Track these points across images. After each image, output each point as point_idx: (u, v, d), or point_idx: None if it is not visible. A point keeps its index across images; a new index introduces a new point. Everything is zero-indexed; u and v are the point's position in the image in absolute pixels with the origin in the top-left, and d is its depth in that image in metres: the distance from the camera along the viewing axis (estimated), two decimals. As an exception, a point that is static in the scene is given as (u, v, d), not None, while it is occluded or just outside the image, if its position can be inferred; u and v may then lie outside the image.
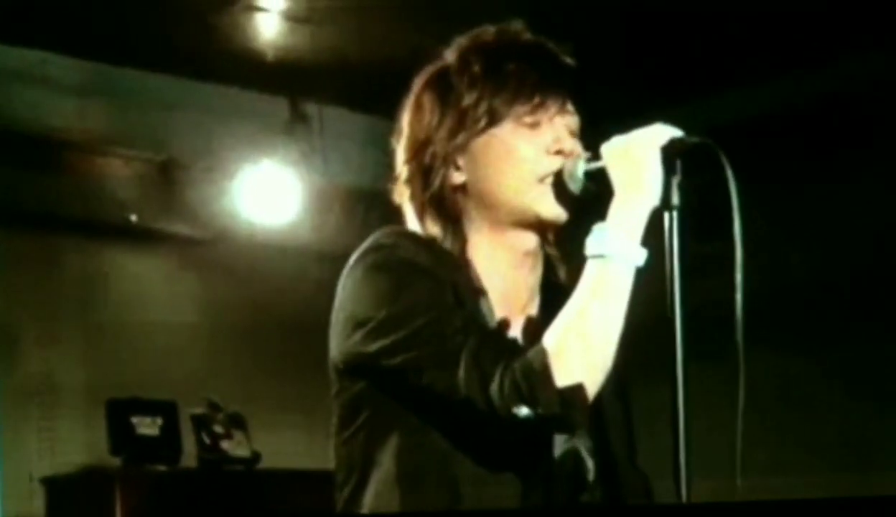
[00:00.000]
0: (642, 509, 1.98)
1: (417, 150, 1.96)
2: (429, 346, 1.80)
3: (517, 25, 1.98)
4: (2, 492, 4.74)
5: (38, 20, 4.67)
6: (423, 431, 1.86)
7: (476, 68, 1.93)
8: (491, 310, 1.93)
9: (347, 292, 1.90)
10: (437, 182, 1.94)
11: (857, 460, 5.17)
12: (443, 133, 1.93)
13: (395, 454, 1.87)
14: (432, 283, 1.86)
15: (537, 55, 1.95)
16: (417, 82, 1.99)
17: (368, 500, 1.89)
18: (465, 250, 1.95)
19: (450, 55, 1.97)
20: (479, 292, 1.92)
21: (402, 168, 1.99)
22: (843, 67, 5.11)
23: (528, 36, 1.97)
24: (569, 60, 1.97)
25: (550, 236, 1.99)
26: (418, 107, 1.97)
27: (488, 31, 1.98)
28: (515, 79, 1.92)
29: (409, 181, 1.97)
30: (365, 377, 1.89)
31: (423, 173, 1.95)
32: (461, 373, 1.78)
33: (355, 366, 1.89)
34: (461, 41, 1.98)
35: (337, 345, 1.91)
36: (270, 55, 4.93)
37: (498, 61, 1.93)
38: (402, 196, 2.00)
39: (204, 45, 4.91)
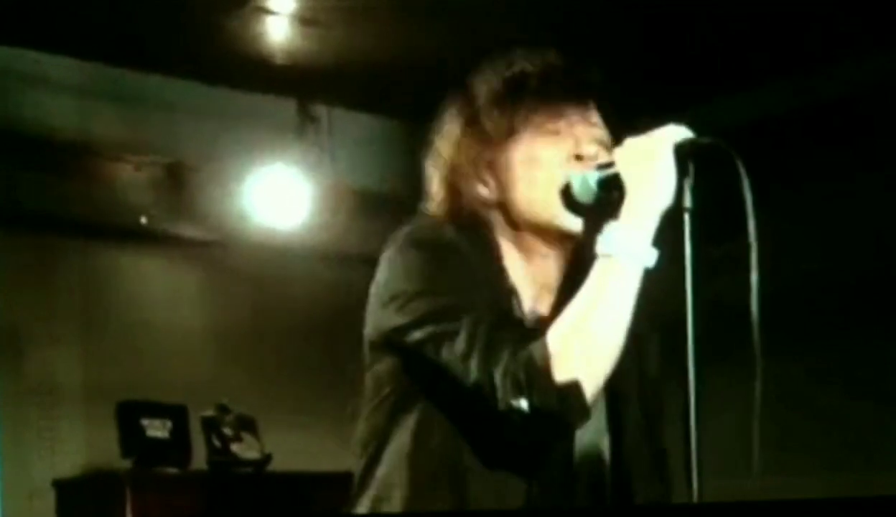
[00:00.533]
0: (644, 509, 1.98)
1: (448, 173, 2.00)
2: (450, 325, 1.83)
3: (546, 52, 2.00)
4: (2, 492, 4.74)
5: (45, 22, 4.68)
6: (439, 412, 1.89)
7: (499, 88, 1.97)
8: (520, 301, 1.95)
9: (382, 268, 1.94)
10: (465, 200, 1.98)
11: (857, 460, 5.18)
12: (470, 153, 1.98)
13: (411, 432, 1.91)
14: (464, 265, 1.89)
15: (560, 71, 1.98)
16: (448, 111, 2.03)
17: (380, 472, 1.94)
18: (497, 247, 1.98)
19: (478, 83, 2.01)
20: (508, 282, 1.95)
21: (436, 191, 2.03)
22: (844, 69, 5.13)
23: (553, 57, 1.99)
24: (594, 76, 1.99)
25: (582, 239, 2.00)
26: (449, 134, 2.01)
27: (516, 56, 2.01)
28: (536, 91, 1.95)
29: (443, 203, 2.01)
30: (391, 352, 1.92)
31: (453, 194, 1.99)
32: (474, 359, 1.80)
33: (384, 340, 1.93)
34: (488, 70, 2.01)
35: (370, 320, 1.96)
36: (279, 57, 4.92)
37: (520, 79, 1.97)
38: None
39: (213, 48, 4.91)
